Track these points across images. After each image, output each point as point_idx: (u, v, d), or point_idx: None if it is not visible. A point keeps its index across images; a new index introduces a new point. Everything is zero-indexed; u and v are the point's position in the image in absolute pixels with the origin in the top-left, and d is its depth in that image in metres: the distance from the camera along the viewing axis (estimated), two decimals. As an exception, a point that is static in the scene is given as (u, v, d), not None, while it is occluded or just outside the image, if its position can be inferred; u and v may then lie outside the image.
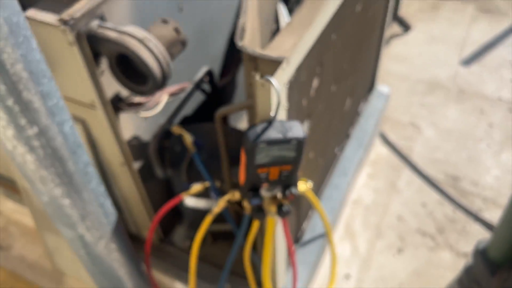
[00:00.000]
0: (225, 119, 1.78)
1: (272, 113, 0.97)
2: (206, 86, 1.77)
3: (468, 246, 2.25)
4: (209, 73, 1.71)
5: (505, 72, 3.20)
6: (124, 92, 1.39)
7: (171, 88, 1.53)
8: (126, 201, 1.73)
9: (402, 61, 3.37)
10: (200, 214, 1.66)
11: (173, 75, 1.60)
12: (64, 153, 0.97)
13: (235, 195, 1.19)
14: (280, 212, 1.12)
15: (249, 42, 1.06)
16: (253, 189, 1.08)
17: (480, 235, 2.28)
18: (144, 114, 1.45)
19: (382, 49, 2.31)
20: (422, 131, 2.84)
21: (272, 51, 1.02)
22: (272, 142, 0.95)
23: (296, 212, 1.71)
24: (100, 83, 1.26)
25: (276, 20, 1.73)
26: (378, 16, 2.01)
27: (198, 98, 1.87)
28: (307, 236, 1.89)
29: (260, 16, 1.39)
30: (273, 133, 0.96)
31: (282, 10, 1.88)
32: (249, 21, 1.12)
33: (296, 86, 1.18)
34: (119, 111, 1.39)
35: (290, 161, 1.02)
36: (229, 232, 1.71)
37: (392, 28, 3.67)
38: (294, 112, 1.25)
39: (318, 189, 2.02)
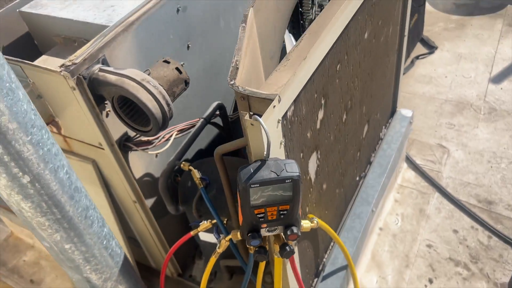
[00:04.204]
0: (238, 152, 1.78)
1: (265, 153, 0.95)
2: (219, 120, 1.77)
3: (506, 276, 2.08)
4: (221, 107, 1.72)
5: (540, 87, 3.03)
6: (132, 132, 1.42)
7: (180, 125, 1.55)
8: (142, 237, 1.74)
9: (429, 82, 3.27)
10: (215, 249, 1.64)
11: (186, 111, 1.62)
12: (61, 199, 0.99)
13: (238, 235, 1.16)
14: (283, 252, 1.09)
15: (243, 80, 1.06)
16: (253, 230, 1.05)
17: (519, 265, 2.12)
18: (154, 151, 1.47)
19: (400, 74, 2.25)
20: (451, 153, 2.71)
21: (267, 88, 1.01)
22: (266, 183, 0.93)
23: (314, 247, 1.65)
24: (105, 124, 1.29)
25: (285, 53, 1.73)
26: (392, 41, 1.97)
27: (213, 132, 1.88)
28: (328, 269, 1.82)
29: (263, 52, 1.39)
30: (266, 173, 0.93)
31: (291, 41, 1.88)
32: (243, 59, 1.12)
33: (296, 120, 1.16)
34: (127, 150, 1.42)
35: (287, 201, 0.99)
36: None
37: (418, 49, 3.59)
38: (297, 147, 1.22)
39: (339, 220, 1.96)
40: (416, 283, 2.13)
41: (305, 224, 1.19)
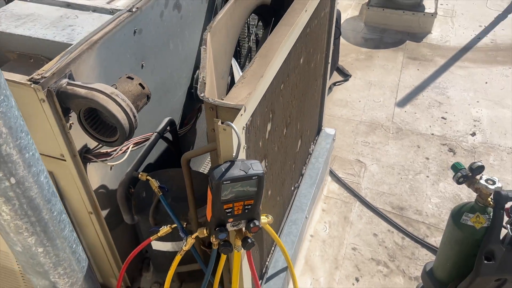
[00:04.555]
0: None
1: (234, 154, 1.11)
2: (169, 135, 1.89)
3: (418, 271, 2.42)
4: (172, 123, 1.83)
5: (435, 111, 3.58)
6: (92, 144, 1.48)
7: (135, 138, 1.64)
8: (93, 250, 1.76)
9: (345, 106, 3.68)
10: (167, 258, 1.72)
11: (139, 126, 1.71)
12: (40, 202, 1.04)
13: (204, 231, 1.29)
14: (245, 244, 1.24)
15: (209, 93, 1.21)
16: (219, 225, 1.19)
17: (427, 259, 2.47)
18: (111, 163, 1.55)
19: (325, 96, 2.56)
20: (368, 167, 3.08)
21: (230, 100, 1.18)
22: (236, 179, 1.09)
23: (259, 251, 1.81)
24: (70, 136, 1.34)
25: (230, 75, 1.93)
26: (319, 67, 2.26)
27: (162, 146, 1.98)
28: (270, 271, 1.99)
29: (216, 72, 1.56)
30: (236, 171, 1.09)
31: (235, 66, 2.09)
32: (208, 76, 1.28)
33: (252, 130, 1.34)
34: (87, 161, 1.48)
35: (252, 196, 1.15)
36: (195, 273, 1.78)
37: (334, 77, 4.02)
38: (253, 153, 1.40)
39: (278, 226, 2.15)
40: (345, 283, 2.37)
41: (263, 219, 1.35)
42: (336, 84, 3.93)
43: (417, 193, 2.88)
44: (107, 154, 1.51)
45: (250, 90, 1.19)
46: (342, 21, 4.82)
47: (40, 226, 1.08)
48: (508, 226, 1.74)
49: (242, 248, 1.25)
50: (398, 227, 2.65)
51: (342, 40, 4.51)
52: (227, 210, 1.15)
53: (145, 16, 1.62)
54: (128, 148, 1.58)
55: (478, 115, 3.52)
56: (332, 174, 3.01)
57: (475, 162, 1.74)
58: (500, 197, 1.68)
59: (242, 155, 1.23)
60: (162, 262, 1.82)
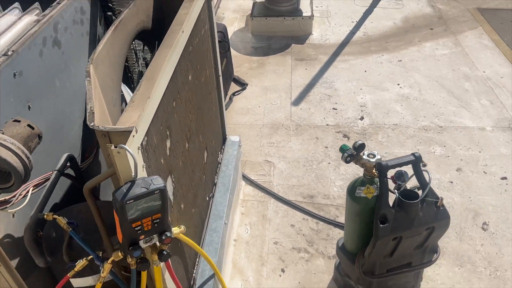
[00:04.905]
0: (96, 196, 1.89)
1: (133, 174, 1.18)
2: (71, 171, 1.87)
3: (335, 250, 2.65)
4: (71, 158, 1.82)
5: (326, 103, 3.93)
6: (-12, 194, 1.43)
7: (35, 180, 1.61)
8: (8, 304, 1.68)
9: (247, 113, 3.88)
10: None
11: (36, 167, 1.69)
12: None
13: (118, 254, 1.32)
14: (161, 257, 1.30)
15: (100, 121, 1.26)
16: (132, 244, 1.24)
17: (340, 237, 2.71)
18: (12, 210, 1.51)
19: (223, 107, 2.70)
20: (276, 165, 3.29)
21: (122, 124, 1.24)
22: (139, 197, 1.15)
23: (183, 264, 1.87)
24: (-40, 190, 1.30)
25: (124, 101, 1.97)
26: (211, 81, 2.39)
27: (66, 183, 1.94)
28: (198, 282, 2.05)
29: (106, 100, 1.60)
30: (137, 190, 1.16)
31: (127, 91, 2.13)
32: (97, 105, 1.33)
33: (150, 148, 1.41)
34: (-16, 212, 1.42)
35: (159, 210, 1.22)
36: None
37: (233, 87, 4.21)
38: (155, 171, 1.47)
39: (200, 237, 2.22)
40: (272, 276, 2.52)
41: (175, 230, 1.42)
42: (235, 94, 4.12)
43: (323, 179, 3.14)
44: (6, 202, 1.47)
45: (140, 112, 1.27)
46: (230, 34, 5.06)
47: None
48: (396, 191, 2.01)
49: (160, 262, 1.31)
50: (311, 214, 2.87)
51: (233, 52, 4.73)
52: (137, 228, 1.21)
53: (23, 58, 1.62)
54: (27, 191, 1.55)
55: (363, 101, 3.93)
56: (245, 178, 3.16)
57: (357, 142, 1.99)
58: (381, 167, 1.94)
59: (143, 174, 1.29)
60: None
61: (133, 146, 1.19)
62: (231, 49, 4.75)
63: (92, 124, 1.21)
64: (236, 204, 2.88)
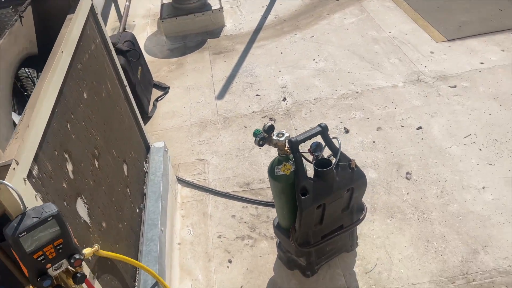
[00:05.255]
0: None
1: (22, 207, 1.16)
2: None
3: (276, 229, 2.73)
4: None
5: (249, 92, 3.99)
6: None
7: None
8: None
9: (173, 116, 3.86)
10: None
11: None
12: None
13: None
14: (76, 279, 1.30)
15: (-20, 161, 1.23)
16: (41, 274, 1.23)
17: (280, 216, 2.80)
18: None
19: (138, 117, 2.68)
20: (209, 161, 3.32)
21: (3, 159, 1.22)
22: (31, 228, 1.14)
23: (116, 277, 1.87)
24: None
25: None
26: (116, 93, 2.37)
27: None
28: (142, 293, 2.06)
29: (-6, 136, 1.55)
30: (29, 221, 1.15)
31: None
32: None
33: (45, 176, 1.39)
34: None
35: (58, 235, 1.22)
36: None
37: (155, 93, 4.17)
38: (57, 196, 1.45)
39: (136, 249, 2.21)
40: (220, 269, 2.56)
41: (87, 250, 1.42)
42: (158, 99, 4.09)
43: (256, 165, 3.21)
44: None
45: (19, 143, 1.25)
46: (144, 40, 4.99)
47: None
48: (313, 163, 2.11)
49: (77, 284, 1.31)
50: (249, 201, 2.93)
51: (150, 57, 4.68)
52: (40, 258, 1.20)
53: None
54: None
55: (283, 82, 4.04)
56: (180, 180, 3.16)
57: (266, 124, 2.06)
58: (291, 143, 2.03)
59: (39, 203, 1.28)
60: None
61: (16, 179, 1.18)
62: (148, 55, 4.71)
63: (-32, 166, 1.17)
64: (175, 208, 2.89)
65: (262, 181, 3.08)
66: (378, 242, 2.54)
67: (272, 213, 2.85)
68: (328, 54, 4.30)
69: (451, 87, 3.62)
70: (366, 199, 2.77)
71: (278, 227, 2.36)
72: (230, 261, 2.59)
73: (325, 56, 4.28)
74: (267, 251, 2.62)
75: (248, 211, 2.89)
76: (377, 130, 3.33)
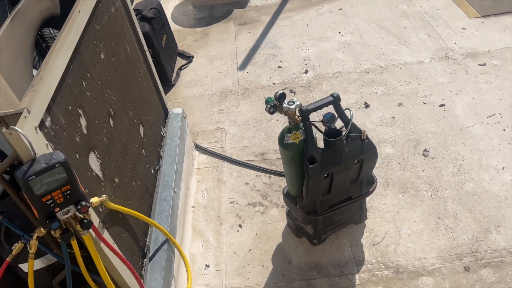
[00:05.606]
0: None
1: (32, 153, 1.24)
2: None
3: (287, 198, 2.77)
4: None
5: (272, 63, 3.98)
6: None
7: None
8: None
9: (195, 85, 3.92)
10: (43, 276, 1.80)
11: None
12: None
13: (41, 230, 1.41)
14: (83, 225, 1.39)
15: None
16: (50, 216, 1.32)
17: (293, 186, 2.83)
18: None
19: (157, 82, 2.74)
20: (227, 130, 3.37)
21: (18, 108, 1.30)
22: (40, 172, 1.22)
23: (128, 231, 1.97)
24: None
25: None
26: (135, 57, 2.42)
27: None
28: (152, 248, 2.16)
29: (14, 90, 1.65)
30: (38, 166, 1.23)
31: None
32: (-5, 95, 1.38)
33: (58, 129, 1.47)
34: None
35: (66, 182, 1.30)
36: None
37: (179, 62, 4.22)
38: (69, 149, 1.53)
39: (149, 208, 2.31)
40: (231, 233, 2.64)
41: (94, 199, 1.51)
42: (182, 68, 4.14)
43: (273, 136, 3.23)
44: None
45: (32, 94, 1.32)
46: (171, 9, 5.02)
47: None
48: (323, 134, 2.11)
49: (83, 230, 1.40)
50: (264, 170, 2.98)
51: (176, 26, 4.72)
52: (48, 202, 1.28)
53: None
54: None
55: (306, 55, 3.99)
56: (198, 147, 3.24)
57: (277, 92, 2.07)
58: (302, 112, 2.03)
59: (48, 150, 1.36)
60: (43, 282, 1.89)
61: (27, 127, 1.25)
62: (174, 24, 4.75)
63: (-15, 112, 1.26)
64: (191, 173, 2.98)
65: (277, 151, 3.11)
66: (388, 216, 2.54)
67: (285, 183, 2.88)
68: (354, 28, 4.21)
69: (480, 65, 3.48)
70: (380, 173, 2.76)
71: (287, 195, 2.40)
72: (240, 226, 2.66)
73: (351, 30, 4.19)
74: (277, 218, 2.68)
75: (261, 179, 2.94)
76: (398, 106, 3.27)
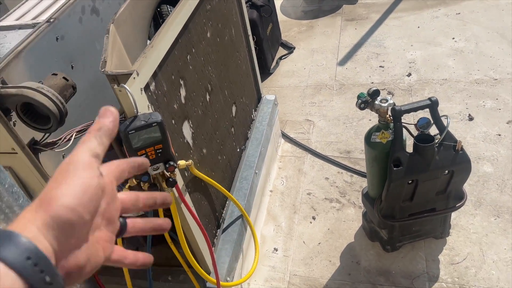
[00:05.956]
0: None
1: (135, 110, 1.39)
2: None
3: (366, 200, 2.71)
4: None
5: (373, 62, 3.87)
6: (38, 136, 1.77)
7: (78, 127, 1.92)
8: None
9: (292, 75, 3.97)
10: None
11: (82, 119, 2.00)
12: None
13: (133, 181, 1.57)
14: (168, 183, 1.52)
15: (112, 67, 1.50)
16: (142, 170, 1.47)
17: (374, 189, 2.75)
18: (59, 150, 1.83)
19: (256, 67, 2.84)
20: (316, 123, 3.37)
21: (129, 69, 1.46)
22: (139, 128, 1.37)
23: (207, 199, 2.10)
24: (14, 131, 1.63)
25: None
26: (238, 40, 2.54)
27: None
28: (227, 221, 2.28)
29: (130, 58, 1.84)
30: (138, 122, 1.37)
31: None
32: (114, 57, 1.57)
33: (160, 94, 1.62)
34: (37, 152, 1.76)
35: (159, 141, 1.43)
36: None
37: (280, 52, 4.31)
38: (168, 113, 1.68)
39: (230, 183, 2.43)
40: (303, 223, 2.67)
41: (181, 162, 1.64)
42: (282, 58, 4.22)
43: (361, 135, 3.16)
44: (53, 143, 1.79)
45: (142, 59, 1.48)
46: (282, 0, 5.12)
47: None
48: (413, 138, 2.03)
49: (168, 187, 1.54)
50: (346, 168, 2.94)
51: (283, 17, 4.80)
52: (142, 156, 1.43)
53: (64, 24, 1.91)
54: (71, 135, 1.86)
55: (412, 57, 3.81)
56: (284, 136, 3.30)
57: (371, 88, 2.03)
58: (395, 112, 1.97)
59: (147, 111, 1.51)
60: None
61: (135, 87, 1.41)
62: (282, 15, 4.83)
63: (103, 70, 1.44)
64: (274, 159, 3.05)
65: (363, 151, 3.03)
66: (474, 238, 2.35)
67: (366, 184, 2.81)
68: (471, 34, 3.89)
69: None
70: (473, 191, 2.56)
71: (366, 196, 2.35)
72: (314, 218, 2.67)
73: (467, 36, 3.88)
74: (352, 218, 2.63)
75: (342, 177, 2.90)
76: (507, 123, 2.98)
